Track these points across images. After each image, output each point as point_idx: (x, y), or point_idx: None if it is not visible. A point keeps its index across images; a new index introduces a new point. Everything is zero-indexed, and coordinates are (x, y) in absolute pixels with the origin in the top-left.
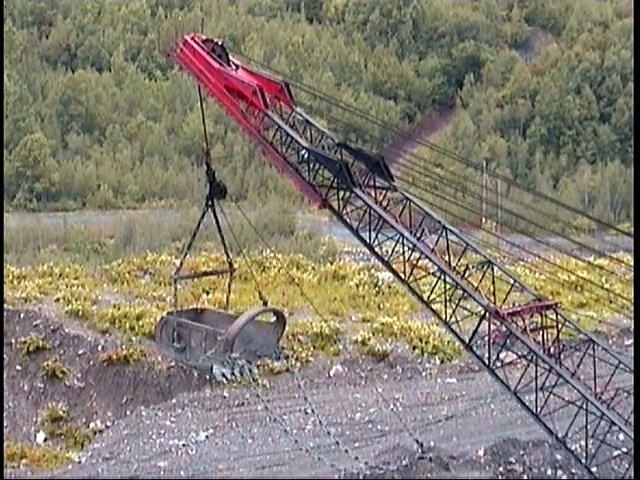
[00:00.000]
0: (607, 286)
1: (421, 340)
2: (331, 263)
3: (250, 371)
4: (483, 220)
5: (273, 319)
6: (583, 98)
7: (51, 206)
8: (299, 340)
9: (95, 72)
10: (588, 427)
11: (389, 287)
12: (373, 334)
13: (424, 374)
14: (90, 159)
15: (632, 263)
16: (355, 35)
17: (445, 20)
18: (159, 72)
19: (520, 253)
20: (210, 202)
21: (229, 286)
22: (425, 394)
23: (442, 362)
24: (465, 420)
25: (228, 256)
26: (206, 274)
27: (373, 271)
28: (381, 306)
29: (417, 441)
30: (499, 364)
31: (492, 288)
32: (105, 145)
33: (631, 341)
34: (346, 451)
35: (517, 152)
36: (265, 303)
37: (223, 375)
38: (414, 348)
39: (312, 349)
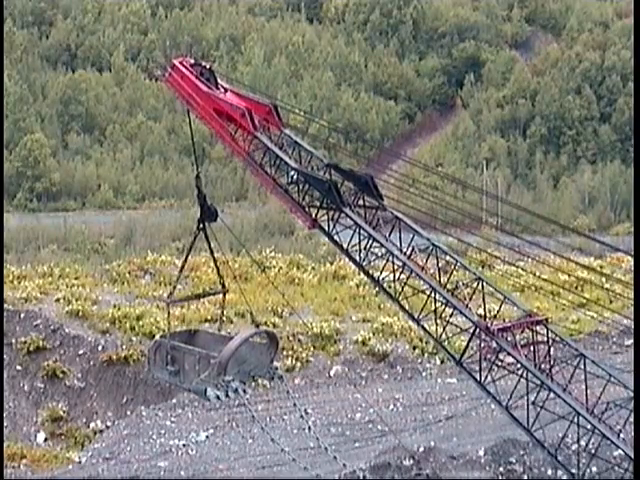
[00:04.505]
0: (607, 286)
1: (421, 340)
2: (331, 263)
3: (244, 391)
4: (483, 221)
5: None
6: (583, 98)
7: (51, 206)
8: (299, 340)
9: (95, 72)
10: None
11: (389, 287)
12: (373, 334)
13: (424, 374)
14: (90, 159)
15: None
16: (355, 35)
17: (445, 20)
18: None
19: (519, 254)
20: (202, 225)
21: (222, 307)
22: (425, 394)
23: (442, 362)
24: (465, 420)
25: (221, 277)
26: (199, 297)
27: (373, 271)
28: (381, 306)
29: (414, 457)
30: (490, 379)
31: (483, 303)
32: (105, 145)
33: (631, 341)
34: (335, 457)
35: (517, 152)
36: (257, 325)
37: (217, 397)
38: (414, 348)
39: (312, 349)
